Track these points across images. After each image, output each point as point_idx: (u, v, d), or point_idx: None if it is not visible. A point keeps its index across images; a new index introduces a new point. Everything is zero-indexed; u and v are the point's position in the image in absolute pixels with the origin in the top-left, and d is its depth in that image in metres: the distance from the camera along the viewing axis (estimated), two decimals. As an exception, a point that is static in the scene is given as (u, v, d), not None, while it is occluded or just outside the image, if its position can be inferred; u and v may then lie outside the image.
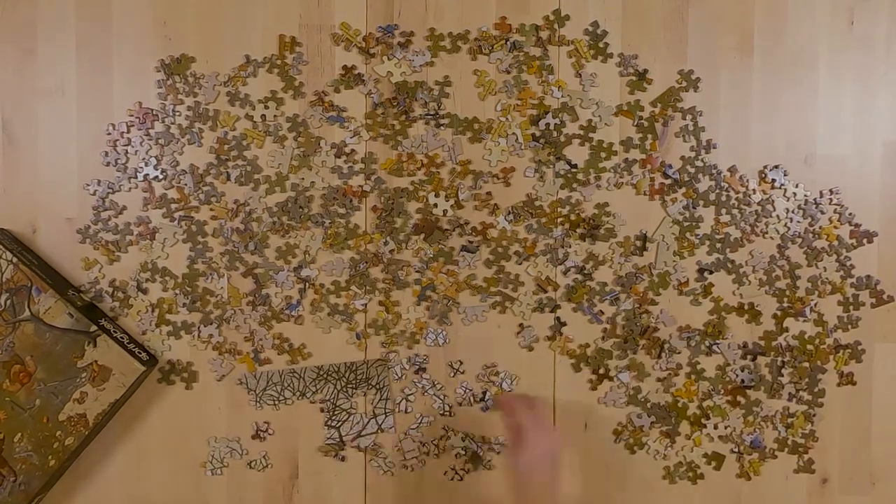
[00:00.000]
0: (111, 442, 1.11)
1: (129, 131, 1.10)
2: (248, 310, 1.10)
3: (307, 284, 1.10)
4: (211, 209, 1.10)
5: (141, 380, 1.05)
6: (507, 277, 1.10)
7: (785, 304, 1.10)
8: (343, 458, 1.11)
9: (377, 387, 1.10)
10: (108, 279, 1.10)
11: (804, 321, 1.10)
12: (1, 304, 1.03)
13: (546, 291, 1.11)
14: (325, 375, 1.10)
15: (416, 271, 1.10)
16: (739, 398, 1.10)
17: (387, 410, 1.10)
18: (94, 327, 1.04)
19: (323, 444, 1.11)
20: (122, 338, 1.05)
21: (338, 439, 1.10)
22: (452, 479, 1.11)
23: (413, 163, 1.10)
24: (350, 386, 1.10)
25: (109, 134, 1.10)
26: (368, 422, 1.10)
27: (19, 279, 1.03)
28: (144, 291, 1.10)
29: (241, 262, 1.10)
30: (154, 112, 1.10)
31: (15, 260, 1.03)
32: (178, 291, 1.10)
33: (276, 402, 1.10)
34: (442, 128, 1.09)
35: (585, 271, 1.10)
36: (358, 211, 1.10)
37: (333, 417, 1.10)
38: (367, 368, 1.10)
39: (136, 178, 1.10)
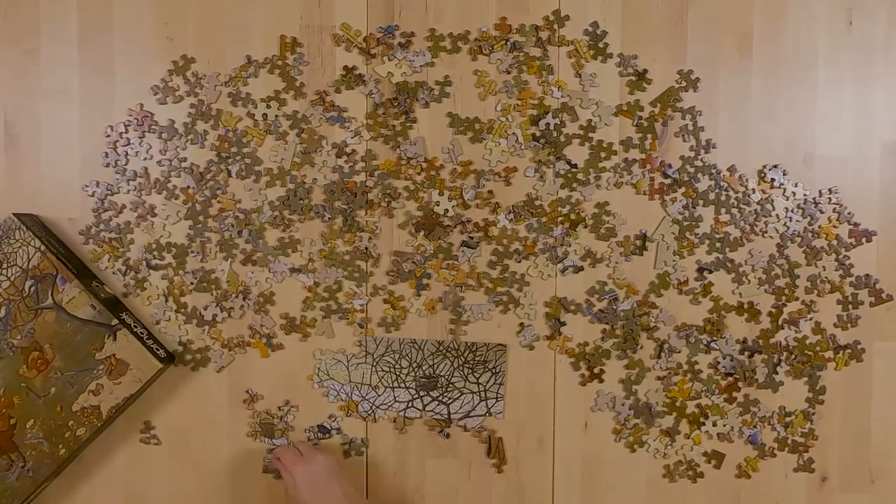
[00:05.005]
0: (113, 440, 1.11)
1: (127, 131, 1.10)
2: (242, 300, 1.11)
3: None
4: (218, 202, 1.10)
5: (157, 377, 1.06)
6: (512, 277, 1.11)
7: (783, 302, 1.11)
8: (448, 436, 1.12)
9: (493, 370, 1.11)
10: (117, 268, 1.10)
11: (800, 328, 1.11)
12: (25, 290, 1.04)
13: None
14: (444, 351, 1.10)
15: (413, 263, 1.10)
16: (735, 394, 1.11)
17: (498, 395, 1.11)
18: (115, 321, 1.04)
19: (429, 419, 1.11)
20: (141, 333, 1.06)
21: (446, 416, 1.11)
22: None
23: (411, 167, 1.10)
24: (467, 366, 1.10)
25: (108, 136, 1.10)
26: (478, 404, 1.11)
27: (45, 267, 1.04)
28: (154, 268, 1.10)
29: (240, 251, 1.10)
30: (154, 114, 1.10)
31: (42, 248, 1.04)
32: (185, 270, 1.10)
33: (393, 370, 1.10)
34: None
35: (584, 270, 1.11)
36: (360, 208, 1.10)
37: (445, 394, 1.10)
38: (486, 351, 1.11)
39: (136, 179, 1.10)
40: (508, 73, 1.10)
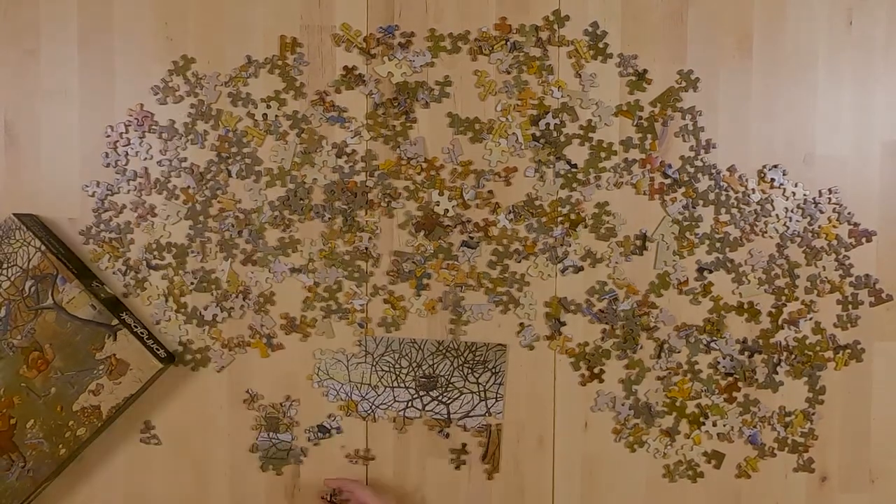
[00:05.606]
0: (113, 440, 1.11)
1: (127, 131, 1.10)
2: (242, 300, 1.11)
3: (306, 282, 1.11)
4: (218, 202, 1.10)
5: (157, 377, 1.06)
6: (512, 277, 1.11)
7: (783, 302, 1.11)
8: (447, 435, 1.11)
9: (493, 370, 1.11)
10: (117, 268, 1.10)
11: (799, 328, 1.11)
12: (25, 290, 1.04)
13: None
14: (444, 351, 1.10)
15: (413, 263, 1.10)
16: (735, 394, 1.11)
17: (498, 395, 1.11)
18: (115, 321, 1.04)
19: (429, 419, 1.11)
20: (141, 333, 1.06)
21: (445, 416, 1.11)
22: (458, 467, 1.12)
23: (412, 167, 1.10)
24: (467, 365, 1.10)
25: (108, 136, 1.10)
26: (478, 403, 1.11)
27: (45, 267, 1.04)
28: (155, 268, 1.10)
29: (240, 251, 1.10)
30: (154, 114, 1.10)
31: (43, 248, 1.04)
32: (185, 270, 1.10)
33: (392, 369, 1.10)
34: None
35: (584, 270, 1.11)
36: (360, 208, 1.10)
37: (444, 394, 1.10)
38: (486, 350, 1.11)
39: (136, 179, 1.10)
40: (508, 73, 1.10)
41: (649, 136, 1.10)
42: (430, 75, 1.11)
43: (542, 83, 1.10)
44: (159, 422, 1.11)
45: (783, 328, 1.11)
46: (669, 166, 1.11)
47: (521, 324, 1.11)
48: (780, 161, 1.11)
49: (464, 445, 1.12)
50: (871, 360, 1.11)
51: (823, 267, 1.11)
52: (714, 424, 1.11)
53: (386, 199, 1.10)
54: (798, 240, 1.11)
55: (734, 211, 1.10)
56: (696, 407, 1.11)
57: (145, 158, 1.10)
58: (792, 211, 1.10)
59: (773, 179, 1.11)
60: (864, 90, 1.11)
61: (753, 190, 1.11)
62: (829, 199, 1.11)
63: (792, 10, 1.10)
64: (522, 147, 1.11)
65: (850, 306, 1.11)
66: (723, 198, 1.11)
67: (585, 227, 1.10)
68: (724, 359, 1.11)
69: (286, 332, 1.11)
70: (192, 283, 1.10)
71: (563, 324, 1.11)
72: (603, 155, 1.10)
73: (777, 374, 1.11)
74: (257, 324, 1.11)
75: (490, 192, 1.11)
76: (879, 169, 1.11)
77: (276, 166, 1.10)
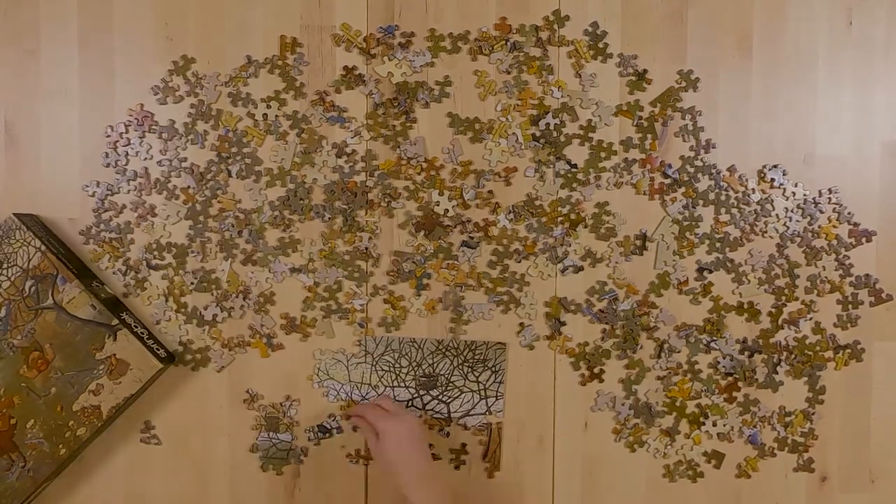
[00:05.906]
0: (113, 440, 1.11)
1: (127, 131, 1.10)
2: (242, 300, 1.11)
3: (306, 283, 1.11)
4: (218, 202, 1.10)
5: (157, 377, 1.06)
6: (512, 277, 1.11)
7: (783, 302, 1.11)
8: (448, 434, 1.11)
9: (493, 369, 1.11)
10: (117, 268, 1.10)
11: (799, 328, 1.11)
12: (26, 290, 1.04)
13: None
14: (443, 350, 1.10)
15: (413, 263, 1.10)
16: (735, 394, 1.11)
17: (498, 394, 1.11)
18: (115, 321, 1.04)
19: (430, 418, 1.11)
20: (142, 333, 1.06)
21: (446, 415, 1.11)
22: (458, 467, 1.12)
23: (411, 167, 1.10)
24: (466, 364, 1.10)
25: (108, 136, 1.10)
26: (478, 402, 1.11)
27: (45, 267, 1.04)
28: (155, 268, 1.10)
29: (240, 251, 1.10)
30: (154, 114, 1.10)
31: (43, 248, 1.04)
32: (185, 270, 1.10)
33: (392, 369, 1.10)
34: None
35: (584, 270, 1.11)
36: (360, 208, 1.10)
37: (444, 393, 1.10)
38: (486, 349, 1.11)
39: (136, 179, 1.10)
40: (508, 73, 1.10)
41: (649, 136, 1.10)
42: (430, 75, 1.11)
43: (542, 83, 1.10)
44: (159, 422, 1.12)
45: (783, 328, 1.11)
46: (669, 166, 1.11)
47: (521, 324, 1.11)
48: (780, 161, 1.11)
49: (463, 445, 1.12)
50: (871, 360, 1.11)
51: (823, 267, 1.11)
52: (714, 424, 1.11)
53: (386, 199, 1.10)
54: (798, 240, 1.11)
55: (734, 211, 1.11)
56: (696, 407, 1.12)
57: (145, 158, 1.10)
58: (792, 211, 1.10)
59: (773, 179, 1.11)
60: (864, 90, 1.11)
61: (753, 190, 1.11)
62: (829, 199, 1.11)
63: (792, 10, 1.10)
64: (522, 147, 1.11)
65: (850, 306, 1.11)
66: (723, 198, 1.11)
67: (585, 227, 1.11)
68: (724, 359, 1.11)
69: (286, 332, 1.11)
70: (192, 283, 1.10)
71: (563, 324, 1.11)
72: (603, 155, 1.10)
73: (777, 374, 1.11)
74: (257, 324, 1.11)
75: (490, 192, 1.11)
76: (879, 169, 1.11)
77: (276, 166, 1.10)
